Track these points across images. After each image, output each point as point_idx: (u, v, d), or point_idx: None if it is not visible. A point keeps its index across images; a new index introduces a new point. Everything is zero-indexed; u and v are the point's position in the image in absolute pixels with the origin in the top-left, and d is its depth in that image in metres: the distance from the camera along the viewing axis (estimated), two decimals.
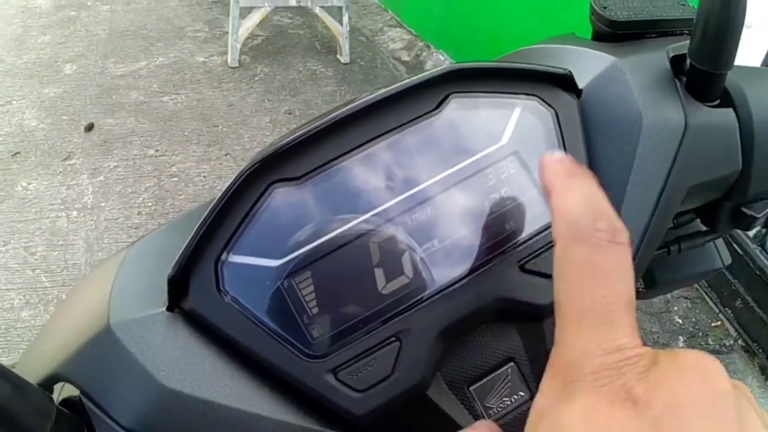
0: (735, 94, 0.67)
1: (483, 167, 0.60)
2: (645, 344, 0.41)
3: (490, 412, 0.60)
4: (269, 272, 0.57)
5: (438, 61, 4.79)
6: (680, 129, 0.64)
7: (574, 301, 0.43)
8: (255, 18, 4.68)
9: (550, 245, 0.60)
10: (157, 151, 3.90)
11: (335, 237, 0.57)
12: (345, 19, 4.75)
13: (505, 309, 0.59)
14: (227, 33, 4.72)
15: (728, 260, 0.89)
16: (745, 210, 0.72)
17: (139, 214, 3.46)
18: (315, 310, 0.57)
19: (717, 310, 2.97)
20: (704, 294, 3.04)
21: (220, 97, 4.39)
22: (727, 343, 2.87)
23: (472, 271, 0.59)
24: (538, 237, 0.60)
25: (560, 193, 0.48)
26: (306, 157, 0.58)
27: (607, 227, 0.44)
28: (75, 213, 3.47)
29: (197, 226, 0.56)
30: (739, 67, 0.66)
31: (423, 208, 0.59)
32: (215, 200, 0.56)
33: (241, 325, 0.56)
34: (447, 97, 0.61)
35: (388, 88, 0.59)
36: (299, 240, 0.57)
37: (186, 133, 4.05)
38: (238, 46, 4.64)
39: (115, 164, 3.80)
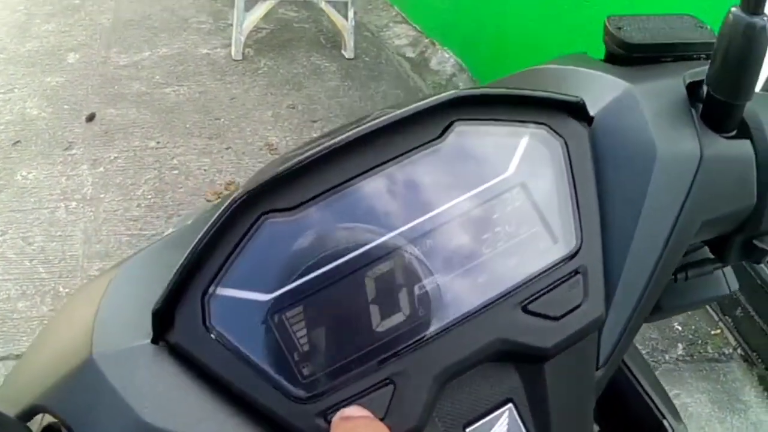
0: (753, 124, 0.65)
1: (487, 199, 0.58)
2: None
3: None
4: (259, 307, 0.54)
5: (443, 58, 4.76)
6: (695, 161, 0.62)
7: None
8: (260, 11, 4.64)
9: (555, 285, 0.58)
10: (158, 143, 3.88)
11: (329, 271, 0.55)
12: (350, 14, 4.72)
13: (506, 351, 0.57)
14: (231, 25, 4.69)
15: (735, 286, 0.87)
16: (757, 243, 0.70)
17: (138, 206, 3.44)
18: (306, 348, 0.54)
19: (717, 319, 2.96)
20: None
21: (223, 90, 4.37)
22: (726, 352, 2.85)
23: (473, 310, 0.57)
24: (542, 276, 0.58)
25: None
26: (300, 186, 0.56)
27: None
28: (74, 204, 3.44)
29: (185, 256, 0.54)
30: (757, 94, 0.63)
31: (423, 242, 0.56)
32: (205, 229, 0.54)
33: (228, 363, 0.54)
34: (451, 124, 0.59)
35: (389, 115, 0.56)
36: (291, 273, 0.55)
37: (188, 126, 4.02)
38: (243, 39, 4.61)
39: (116, 155, 3.78)
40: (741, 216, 0.66)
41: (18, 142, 3.84)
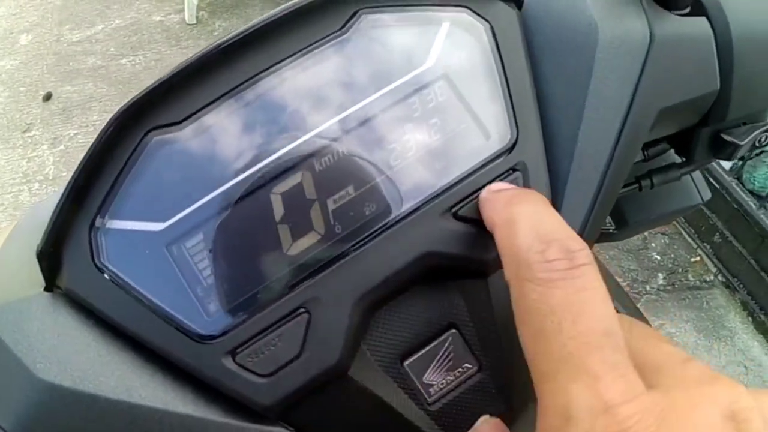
0: (708, 0, 0.58)
1: (405, 95, 0.51)
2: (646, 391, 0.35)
3: (431, 389, 0.51)
4: (153, 238, 0.48)
5: None
6: (645, 42, 0.55)
7: (542, 353, 0.36)
8: None
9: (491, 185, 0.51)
10: None
11: (229, 190, 0.48)
12: None
13: (439, 266, 0.50)
14: None
15: (707, 195, 0.81)
16: (725, 137, 0.63)
17: None
18: (210, 281, 0.48)
19: (695, 246, 2.93)
20: (682, 230, 3.00)
21: (179, 56, 4.24)
22: (708, 279, 2.85)
23: (394, 221, 0.50)
24: (474, 176, 0.51)
25: (503, 230, 0.42)
26: (187, 96, 0.49)
27: (559, 253, 0.38)
28: (37, 185, 3.39)
29: (65, 187, 0.47)
30: None
31: (332, 149, 0.49)
32: (85, 155, 0.47)
33: (125, 305, 0.47)
34: (355, 14, 0.51)
35: (282, 7, 0.49)
36: (186, 197, 0.48)
37: None
38: (195, 2, 4.49)
39: (75, 132, 3.71)
40: (704, 104, 0.60)
41: None
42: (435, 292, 0.52)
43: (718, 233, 2.80)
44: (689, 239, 2.96)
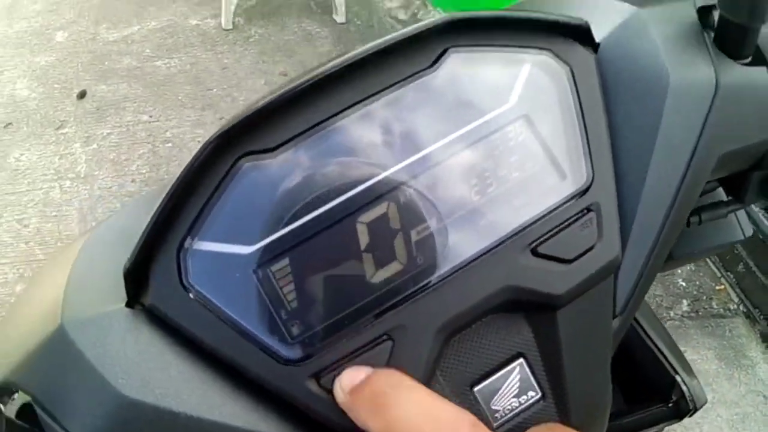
0: (767, 50, 0.60)
1: (487, 133, 0.53)
2: None
3: (497, 415, 0.52)
4: (240, 261, 0.49)
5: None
6: (711, 88, 0.57)
7: None
8: None
9: (566, 224, 0.53)
10: (150, 116, 3.82)
11: (316, 218, 0.50)
12: None
13: (514, 299, 0.52)
14: None
15: (749, 231, 0.82)
16: None
17: (133, 181, 3.40)
18: (294, 305, 0.50)
19: (719, 275, 2.92)
20: (707, 258, 2.99)
21: (214, 60, 4.29)
22: (732, 307, 2.83)
23: (476, 255, 0.51)
24: (551, 215, 0.53)
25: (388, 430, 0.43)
26: (280, 124, 0.51)
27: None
28: (68, 183, 3.41)
29: (156, 208, 0.49)
30: None
31: (418, 183, 0.51)
32: (177, 177, 0.49)
33: (209, 324, 0.49)
34: (445, 51, 0.53)
35: (376, 43, 0.51)
36: (274, 222, 0.50)
37: (180, 98, 3.97)
38: (232, 8, 4.53)
39: (108, 131, 3.73)
40: (761, 150, 0.62)
41: (9, 124, 3.80)
42: (506, 322, 0.53)
43: (742, 263, 2.79)
44: (713, 267, 2.95)
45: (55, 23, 4.67)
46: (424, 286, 0.51)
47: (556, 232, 0.53)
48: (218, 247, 0.50)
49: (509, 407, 0.53)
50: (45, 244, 3.09)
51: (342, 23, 4.71)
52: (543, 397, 0.53)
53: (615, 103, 0.57)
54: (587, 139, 0.55)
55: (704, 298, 2.87)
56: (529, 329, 0.54)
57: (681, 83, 0.56)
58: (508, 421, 0.53)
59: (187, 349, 0.50)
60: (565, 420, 0.54)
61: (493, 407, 0.53)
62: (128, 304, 0.51)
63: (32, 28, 4.64)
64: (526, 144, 0.54)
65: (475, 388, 0.53)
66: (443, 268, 0.51)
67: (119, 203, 3.26)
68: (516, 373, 0.53)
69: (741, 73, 0.59)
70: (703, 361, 2.63)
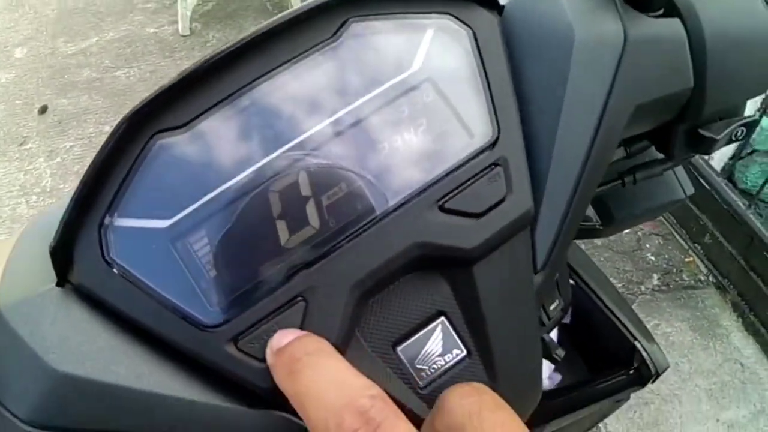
0: (681, 1, 0.60)
1: (393, 98, 0.53)
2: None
3: (423, 374, 0.53)
4: (159, 234, 0.50)
5: None
6: (619, 43, 0.57)
7: None
8: None
9: (473, 180, 0.53)
10: (112, 126, 3.73)
11: (229, 189, 0.50)
12: None
13: (427, 256, 0.52)
14: (176, 2, 4.59)
15: (690, 190, 0.83)
16: (702, 132, 0.65)
17: None
18: (212, 273, 0.50)
19: (687, 247, 2.94)
20: (673, 231, 3.01)
21: (174, 67, 4.28)
22: (702, 278, 2.85)
23: (384, 213, 0.52)
24: (458, 172, 0.53)
25: (296, 405, 0.44)
26: (189, 101, 0.51)
27: (354, 421, 0.40)
28: (34, 198, 3.40)
29: (77, 187, 0.49)
30: None
31: (327, 149, 0.52)
32: (95, 157, 0.49)
33: (133, 297, 0.50)
34: (345, 22, 0.54)
35: (278, 17, 0.51)
36: (189, 196, 0.50)
37: None
38: (189, 14, 4.51)
39: (71, 144, 3.72)
40: (679, 101, 0.62)
41: None
42: (424, 281, 0.54)
43: (708, 234, 2.81)
44: (681, 240, 2.98)
45: (13, 40, 4.64)
46: (335, 246, 0.51)
47: (464, 188, 0.53)
48: (137, 223, 0.51)
49: (435, 366, 0.53)
50: None
51: None
52: (468, 354, 0.54)
53: (523, 64, 0.58)
54: (492, 98, 0.56)
55: (674, 270, 2.89)
56: (447, 286, 0.54)
57: (587, 38, 0.57)
58: (434, 380, 0.53)
59: (116, 322, 0.51)
60: (493, 377, 0.54)
61: (417, 366, 0.53)
62: (59, 284, 0.52)
63: None
64: (431, 106, 0.54)
65: (398, 348, 0.53)
66: (354, 229, 0.52)
67: None
68: (438, 331, 0.54)
69: (651, 26, 0.59)
70: (678, 333, 2.66)
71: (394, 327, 0.53)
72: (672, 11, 0.60)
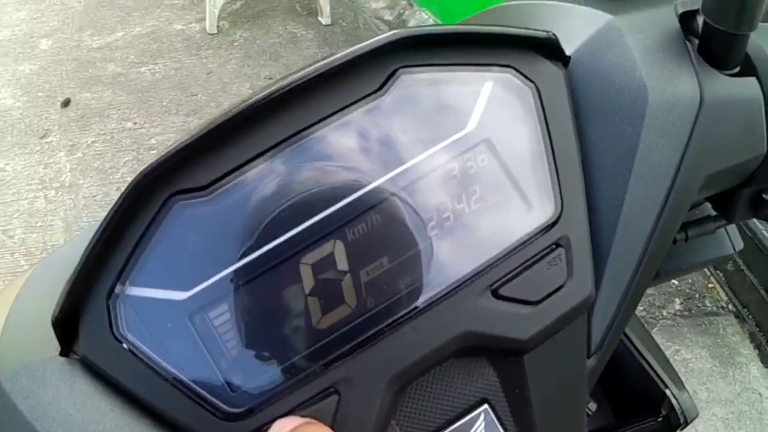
0: (758, 58, 0.55)
1: (444, 162, 0.49)
2: None
3: None
4: (175, 307, 0.46)
5: (421, 19, 4.66)
6: (695, 104, 0.53)
7: None
8: None
9: (531, 262, 0.49)
10: (135, 123, 3.80)
11: (256, 260, 0.46)
12: None
13: (475, 345, 0.48)
14: None
15: (740, 245, 0.79)
16: (766, 197, 0.60)
17: (117, 189, 3.35)
18: (234, 353, 0.46)
19: (708, 273, 2.89)
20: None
21: (199, 65, 4.27)
22: (724, 306, 2.81)
23: (432, 298, 0.47)
24: (515, 252, 0.49)
25: None
26: (213, 159, 0.47)
27: None
28: (53, 192, 3.38)
29: (84, 251, 0.45)
30: (762, 25, 0.54)
31: (366, 219, 0.47)
32: (105, 218, 0.45)
33: (144, 377, 0.45)
34: (394, 72, 0.49)
35: (318, 65, 0.47)
36: (211, 265, 0.46)
37: (164, 104, 3.94)
38: (216, 12, 4.51)
39: (93, 139, 3.71)
40: (749, 167, 0.57)
41: None
42: (468, 367, 0.50)
43: (732, 262, 2.77)
44: None
45: (39, 31, 4.65)
46: (374, 333, 0.47)
47: (521, 272, 0.49)
48: (151, 293, 0.46)
49: None
50: (30, 255, 3.06)
51: (327, 25, 4.70)
52: None
53: (588, 123, 0.53)
54: (556, 165, 0.51)
55: (697, 296, 2.85)
56: (493, 373, 0.50)
57: (661, 99, 0.52)
58: None
59: (124, 400, 0.47)
60: None
61: None
62: (62, 353, 0.48)
63: (16, 36, 4.62)
64: (487, 173, 0.50)
65: None
66: (395, 314, 0.47)
67: (104, 212, 3.23)
68: (481, 420, 0.50)
69: (728, 85, 0.55)
70: (697, 359, 2.62)
71: (433, 416, 0.49)
72: (749, 69, 0.56)
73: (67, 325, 0.47)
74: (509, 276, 0.49)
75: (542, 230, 0.50)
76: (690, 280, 2.90)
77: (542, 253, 0.49)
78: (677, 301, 2.84)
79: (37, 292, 0.55)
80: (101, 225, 0.45)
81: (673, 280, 2.90)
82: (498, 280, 0.48)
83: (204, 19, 4.59)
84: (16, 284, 0.56)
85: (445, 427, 0.49)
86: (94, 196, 3.33)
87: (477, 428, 0.49)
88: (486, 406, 0.50)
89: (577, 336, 0.51)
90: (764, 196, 0.60)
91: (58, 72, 4.26)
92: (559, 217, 0.50)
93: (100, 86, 4.11)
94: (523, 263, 0.49)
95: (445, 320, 0.47)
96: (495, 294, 0.48)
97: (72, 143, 3.69)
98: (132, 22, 4.71)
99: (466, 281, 0.48)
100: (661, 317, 2.77)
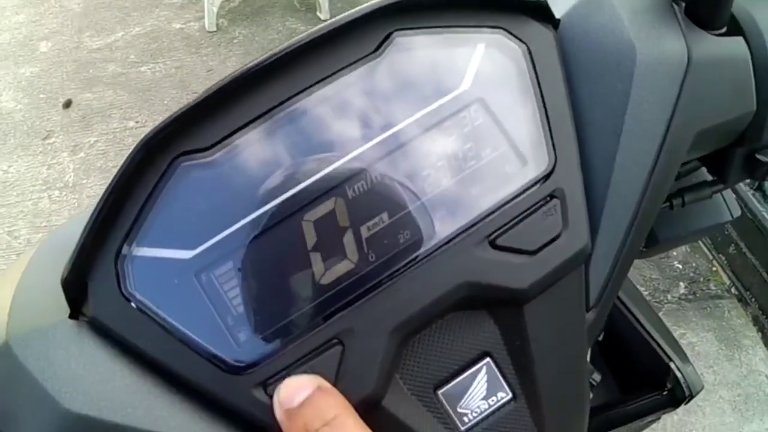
0: (743, 19, 0.56)
1: (440, 120, 0.50)
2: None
3: (465, 418, 0.50)
4: (181, 266, 0.47)
5: None
6: (683, 63, 0.53)
7: None
8: None
9: (527, 213, 0.50)
10: (137, 122, 3.80)
11: (259, 217, 0.47)
12: None
13: (476, 295, 0.49)
14: None
15: (737, 212, 0.79)
16: (760, 157, 0.61)
17: None
18: (239, 310, 0.47)
19: (711, 257, 2.89)
20: (700, 240, 2.96)
21: (199, 63, 4.27)
22: (728, 289, 2.81)
23: (430, 250, 0.49)
24: (511, 204, 0.50)
25: None
26: (216, 121, 0.48)
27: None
28: (57, 192, 3.39)
29: (91, 214, 0.46)
30: None
31: (365, 175, 0.48)
32: (111, 181, 0.46)
33: (152, 335, 0.47)
34: (389, 35, 0.50)
35: (315, 29, 0.48)
36: (215, 224, 0.47)
37: (166, 102, 3.93)
38: (215, 10, 4.51)
39: (95, 139, 3.71)
40: (740, 125, 0.58)
41: None
42: (469, 320, 0.51)
43: (733, 244, 2.76)
44: (705, 249, 2.93)
45: (38, 33, 4.65)
46: (375, 285, 0.48)
47: (517, 222, 0.50)
48: (158, 253, 0.48)
49: (478, 410, 0.50)
50: None
51: (326, 20, 4.65)
52: (514, 397, 0.51)
53: (579, 83, 0.54)
54: (548, 122, 0.52)
55: (701, 279, 2.85)
56: (494, 326, 0.51)
57: (649, 58, 0.53)
58: (477, 423, 0.50)
59: (133, 359, 0.48)
60: (539, 422, 0.51)
61: (459, 410, 0.50)
62: (72, 315, 0.49)
63: (16, 39, 4.62)
64: (482, 129, 0.51)
65: (440, 391, 0.50)
66: (396, 265, 0.49)
67: None
68: (483, 373, 0.51)
69: (715, 45, 0.56)
70: (703, 343, 2.62)
71: (436, 369, 0.50)
72: (735, 29, 0.57)
73: (76, 288, 0.48)
74: (506, 227, 0.50)
75: (537, 182, 0.51)
76: (694, 264, 2.90)
77: (538, 205, 0.50)
78: (681, 284, 2.84)
79: (45, 263, 0.55)
80: (108, 188, 0.46)
81: (676, 264, 2.90)
82: (495, 231, 0.49)
83: (203, 18, 4.58)
84: (24, 259, 0.57)
85: (448, 381, 0.50)
86: (98, 196, 3.27)
87: (479, 381, 0.50)
88: (488, 359, 0.51)
89: (575, 288, 0.52)
90: (757, 155, 0.61)
91: (59, 73, 4.26)
92: (552, 170, 0.51)
93: (101, 86, 4.12)
94: (519, 214, 0.50)
95: (444, 270, 0.48)
96: (492, 244, 0.49)
97: (74, 143, 3.70)
98: (131, 23, 4.71)
99: (463, 232, 0.49)
100: (666, 301, 2.77)
